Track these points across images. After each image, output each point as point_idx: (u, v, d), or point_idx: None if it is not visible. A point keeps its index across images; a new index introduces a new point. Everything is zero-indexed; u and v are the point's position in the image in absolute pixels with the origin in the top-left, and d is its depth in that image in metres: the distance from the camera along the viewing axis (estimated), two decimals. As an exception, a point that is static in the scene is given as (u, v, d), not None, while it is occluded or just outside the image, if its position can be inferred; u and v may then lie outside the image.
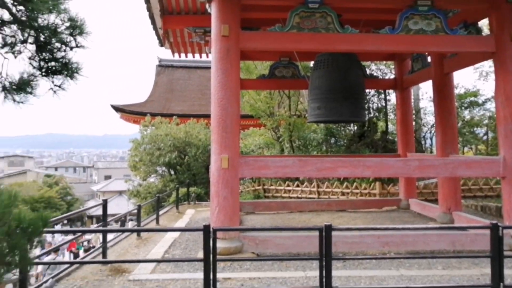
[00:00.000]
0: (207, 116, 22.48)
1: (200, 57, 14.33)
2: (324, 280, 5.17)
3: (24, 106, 3.73)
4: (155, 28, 11.93)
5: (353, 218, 10.95)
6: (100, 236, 15.68)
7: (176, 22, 11.43)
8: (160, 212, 11.65)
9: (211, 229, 5.14)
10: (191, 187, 15.85)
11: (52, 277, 5.85)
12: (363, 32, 9.73)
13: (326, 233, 5.24)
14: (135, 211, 11.55)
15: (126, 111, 28.87)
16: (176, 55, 13.81)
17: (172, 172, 18.45)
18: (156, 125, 19.09)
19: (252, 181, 18.10)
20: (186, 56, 14.22)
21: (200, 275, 6.34)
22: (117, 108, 29.20)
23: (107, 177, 60.78)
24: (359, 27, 8.74)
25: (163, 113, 24.36)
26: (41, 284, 5.40)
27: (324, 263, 5.18)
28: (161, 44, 13.11)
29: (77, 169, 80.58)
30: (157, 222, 10.94)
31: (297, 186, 16.52)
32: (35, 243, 2.84)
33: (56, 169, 73.45)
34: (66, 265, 6.90)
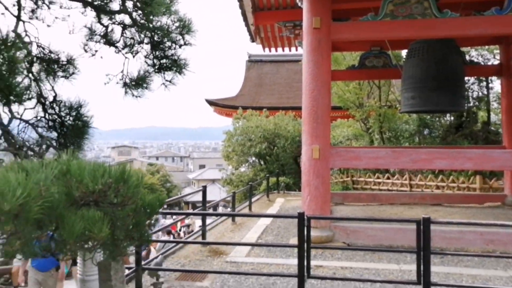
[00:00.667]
0: (295, 108, 22.62)
1: (290, 50, 14.42)
2: (422, 274, 4.99)
3: (141, 99, 4.11)
4: (246, 24, 12.23)
5: (449, 213, 10.36)
6: (197, 221, 16.42)
7: (267, 18, 11.61)
8: (252, 200, 12.00)
9: (305, 217, 5.22)
10: (280, 177, 16.09)
11: (161, 254, 6.35)
12: (463, 15, 9.10)
13: (424, 226, 5.05)
14: (228, 198, 12.02)
15: (219, 105, 29.96)
16: (266, 50, 14.03)
17: (262, 162, 18.87)
18: (247, 118, 19.61)
19: (340, 172, 17.89)
20: (276, 51, 14.39)
21: (292, 261, 6.49)
22: (211, 102, 30.41)
23: (202, 166, 63.71)
24: (458, 11, 8.19)
25: (253, 106, 24.89)
26: (152, 260, 5.89)
27: (422, 257, 5.00)
28: (253, 39, 13.41)
29: (175, 158, 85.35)
30: (250, 209, 11.30)
31: (388, 178, 16.01)
32: (153, 222, 3.14)
33: (157, 158, 78.46)
34: (173, 244, 7.44)
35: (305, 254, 5.14)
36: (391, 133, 17.60)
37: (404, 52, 14.83)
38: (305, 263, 5.13)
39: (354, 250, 7.08)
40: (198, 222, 16.79)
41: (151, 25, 3.87)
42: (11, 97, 3.33)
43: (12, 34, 2.94)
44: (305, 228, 5.21)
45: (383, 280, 5.47)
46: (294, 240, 7.42)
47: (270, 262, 6.58)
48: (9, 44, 2.67)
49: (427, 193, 12.82)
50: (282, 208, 11.96)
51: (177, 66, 4.06)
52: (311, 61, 7.89)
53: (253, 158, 19.10)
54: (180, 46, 4.02)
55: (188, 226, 18.28)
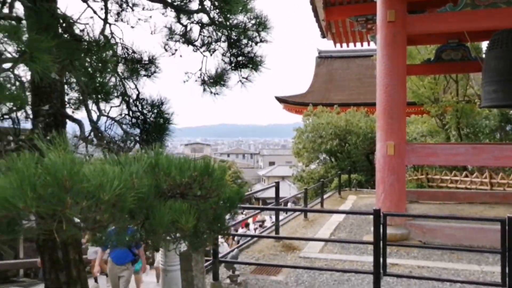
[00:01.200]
0: (367, 104, 21.95)
1: (362, 45, 14.01)
2: (507, 276, 4.61)
3: (219, 97, 4.19)
4: (317, 20, 12.04)
5: (537, 213, 9.49)
6: (268, 218, 16.46)
7: (339, 13, 11.34)
8: (323, 197, 11.84)
9: (381, 214, 5.03)
10: (352, 174, 15.71)
11: (237, 247, 6.46)
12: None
13: (510, 225, 4.66)
14: (298, 195, 11.93)
15: (289, 102, 29.91)
16: (337, 45, 13.73)
17: (333, 159, 18.55)
18: (318, 114, 19.37)
19: (414, 170, 17.09)
20: (348, 46, 14.03)
21: (366, 258, 6.30)
22: (280, 100, 30.44)
23: (271, 163, 64.09)
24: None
25: (323, 103, 24.55)
26: (228, 253, 6.01)
27: (507, 258, 4.62)
28: (323, 35, 13.18)
29: (245, 155, 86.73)
30: (321, 205, 11.15)
31: (466, 176, 15.01)
32: (232, 215, 3.17)
33: (228, 155, 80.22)
34: (247, 238, 7.54)
35: (381, 251, 4.95)
36: (469, 129, 16.48)
37: (484, 44, 13.82)
38: (381, 261, 4.95)
39: (431, 249, 6.72)
40: (269, 219, 16.87)
41: (228, 23, 3.91)
42: (100, 96, 3.54)
43: (101, 36, 3.10)
44: (381, 225, 5.02)
45: (464, 280, 5.13)
46: (368, 238, 7.21)
47: (344, 258, 6.44)
48: (100, 45, 2.82)
49: (510, 192, 11.86)
50: (355, 205, 11.67)
51: (253, 63, 4.07)
52: (385, 55, 7.58)
53: (324, 155, 18.84)
54: (256, 43, 4.02)
55: (262, 222, 18.29)
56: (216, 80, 4.10)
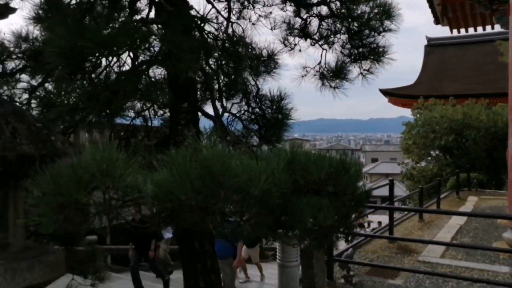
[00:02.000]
0: (489, 96, 20.13)
1: (484, 29, 12.88)
2: None
3: (339, 90, 4.15)
4: (431, 5, 11.35)
5: None
6: (373, 217, 15.92)
7: (457, -5, 10.56)
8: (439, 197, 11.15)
9: (520, 218, 4.58)
10: (471, 173, 14.55)
11: (352, 246, 6.37)
12: None
13: None
14: (412, 193, 11.35)
15: (395, 95, 28.61)
16: (450, 31, 12.78)
17: (448, 156, 17.35)
18: (430, 107, 18.24)
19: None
20: (466, 31, 13.00)
21: (499, 268, 5.81)
22: (385, 92, 29.24)
23: (374, 160, 61.99)
24: None
25: (434, 95, 23.07)
26: (343, 252, 5.95)
27: None
28: (437, 21, 12.36)
29: (345, 151, 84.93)
30: (438, 206, 10.51)
31: None
32: (358, 214, 3.13)
33: (327, 151, 79.17)
34: (361, 237, 7.40)
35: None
36: None
37: None
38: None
39: None
40: (376, 218, 16.28)
41: (350, 14, 3.85)
42: (229, 93, 3.73)
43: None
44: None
45: None
46: (500, 244, 6.63)
47: (471, 266, 5.99)
48: (235, 40, 2.96)
49: None
50: (477, 207, 10.81)
51: (375, 54, 3.97)
52: (519, 38, 6.88)
53: (437, 152, 17.70)
54: (379, 33, 3.91)
55: (369, 222, 17.72)
56: (336, 74, 4.07)
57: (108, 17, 3.14)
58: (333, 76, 4.13)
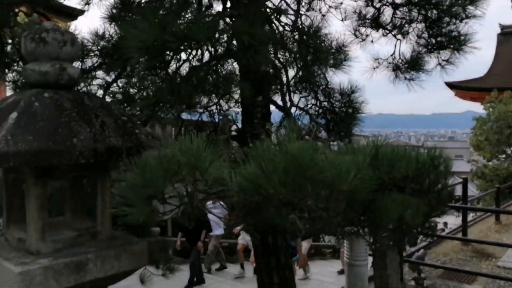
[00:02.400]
0: None
1: None
2: None
3: (414, 83, 4.00)
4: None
5: None
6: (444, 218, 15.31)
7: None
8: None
9: None
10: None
11: (422, 248, 6.15)
12: None
13: None
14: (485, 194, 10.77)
15: (462, 88, 27.25)
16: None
17: (526, 154, 16.29)
18: (505, 101, 17.16)
19: None
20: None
21: None
22: (452, 85, 27.89)
23: (438, 157, 59.43)
24: None
25: (509, 87, 21.74)
26: (414, 252, 5.76)
27: None
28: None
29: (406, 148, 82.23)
30: (515, 208, 9.91)
31: None
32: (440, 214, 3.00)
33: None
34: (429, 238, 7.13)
35: None
36: None
37: None
38: None
39: None
40: (441, 219, 15.57)
41: (428, 1, 3.68)
42: (301, 85, 3.71)
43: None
44: None
45: None
46: None
47: (557, 273, 5.60)
48: (312, 32, 2.93)
49: None
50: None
51: (455, 43, 3.77)
52: None
53: (513, 149, 16.66)
54: (462, 19, 3.70)
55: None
56: (412, 65, 3.92)
57: (178, 13, 3.21)
58: (408, 67, 3.98)
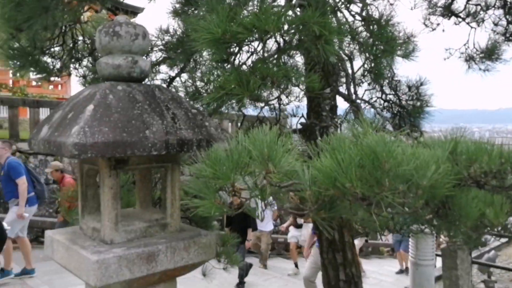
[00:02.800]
0: None
1: None
2: None
3: (489, 73, 3.78)
4: None
5: None
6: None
7: None
8: None
9: None
10: None
11: (493, 249, 5.84)
12: None
13: None
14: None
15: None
16: None
17: None
18: None
19: None
20: None
21: None
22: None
23: (505, 155, 56.47)
24: None
25: None
26: (483, 253, 5.49)
27: None
28: None
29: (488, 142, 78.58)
30: None
31: None
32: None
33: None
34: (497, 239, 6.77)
35: None
36: None
37: None
38: None
39: None
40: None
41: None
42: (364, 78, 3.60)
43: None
44: None
45: None
46: None
47: None
48: (382, 23, 2.83)
49: None
50: None
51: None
52: None
53: None
54: None
55: None
56: (487, 54, 3.70)
57: (244, 3, 3.20)
58: (484, 57, 3.76)
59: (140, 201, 2.43)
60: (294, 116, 4.35)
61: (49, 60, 3.39)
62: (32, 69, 3.24)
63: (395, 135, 1.87)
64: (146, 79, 2.30)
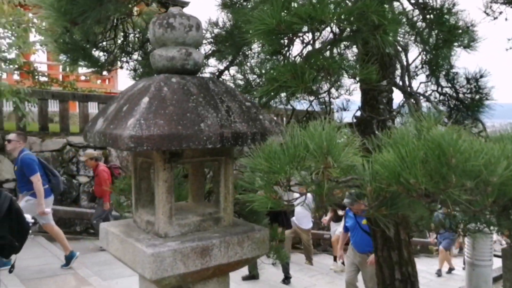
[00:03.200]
0: None
1: None
2: None
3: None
4: None
5: None
6: None
7: None
8: None
9: None
10: None
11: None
12: None
13: None
14: None
15: None
16: None
17: None
18: None
19: None
20: None
21: None
22: None
23: None
24: None
25: None
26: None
27: None
28: None
29: None
30: None
31: None
32: None
33: (501, 140, 70.89)
34: None
35: None
36: None
37: None
38: None
39: None
40: None
41: None
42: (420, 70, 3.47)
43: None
44: None
45: None
46: None
47: None
48: (444, 13, 2.71)
49: None
50: None
51: None
52: None
53: None
54: None
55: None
56: None
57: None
58: None
59: (193, 195, 2.45)
60: (344, 110, 4.27)
61: (100, 54, 3.47)
62: (84, 63, 3.33)
63: (459, 129, 1.78)
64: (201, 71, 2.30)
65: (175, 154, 2.06)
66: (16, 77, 13.06)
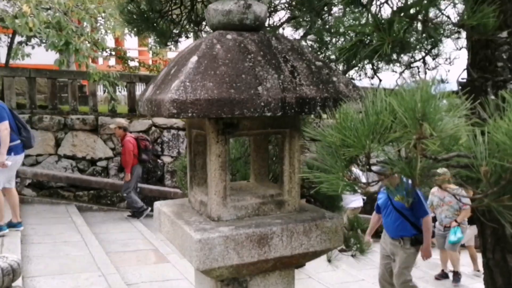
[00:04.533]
0: None
1: None
2: None
3: None
4: None
5: None
6: None
7: None
8: None
9: None
10: None
11: None
12: None
13: None
14: None
15: None
16: None
17: None
18: None
19: None
20: None
21: None
22: None
23: None
24: None
25: None
26: None
27: None
28: None
29: None
30: None
31: None
32: None
33: None
34: None
35: None
36: None
37: None
38: None
39: None
40: None
41: None
42: None
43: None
44: None
45: None
46: None
47: None
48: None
49: None
50: None
51: None
52: None
53: None
54: None
55: None
56: None
57: None
58: None
59: (255, 174, 2.08)
60: (443, 82, 3.63)
61: (167, 24, 3.20)
62: (149, 33, 3.09)
63: None
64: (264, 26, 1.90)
65: (230, 125, 1.70)
66: (111, 62, 13.63)
